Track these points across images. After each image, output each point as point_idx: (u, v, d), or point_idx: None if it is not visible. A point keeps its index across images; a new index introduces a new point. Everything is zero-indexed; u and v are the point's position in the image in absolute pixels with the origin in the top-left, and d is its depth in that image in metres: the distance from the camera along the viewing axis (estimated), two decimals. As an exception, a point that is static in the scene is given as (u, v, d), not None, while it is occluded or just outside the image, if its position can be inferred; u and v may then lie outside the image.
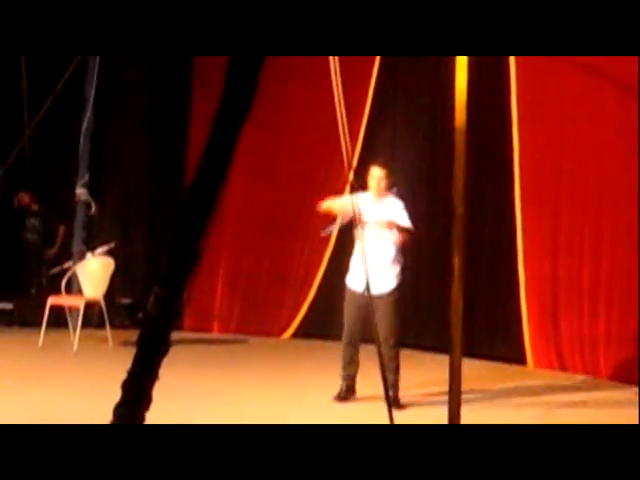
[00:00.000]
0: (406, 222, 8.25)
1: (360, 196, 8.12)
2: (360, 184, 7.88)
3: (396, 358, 8.22)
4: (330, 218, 8.54)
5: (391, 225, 8.12)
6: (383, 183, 8.32)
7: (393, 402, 8.05)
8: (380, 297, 8.04)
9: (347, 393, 8.45)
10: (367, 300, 7.35)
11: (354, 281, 8.28)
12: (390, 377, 8.09)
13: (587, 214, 10.20)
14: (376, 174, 8.34)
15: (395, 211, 8.28)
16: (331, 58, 5.58)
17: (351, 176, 6.17)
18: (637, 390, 8.83)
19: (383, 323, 8.06)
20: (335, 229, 8.75)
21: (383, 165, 8.43)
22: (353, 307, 8.26)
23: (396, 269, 8.30)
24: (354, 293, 8.24)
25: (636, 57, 8.91)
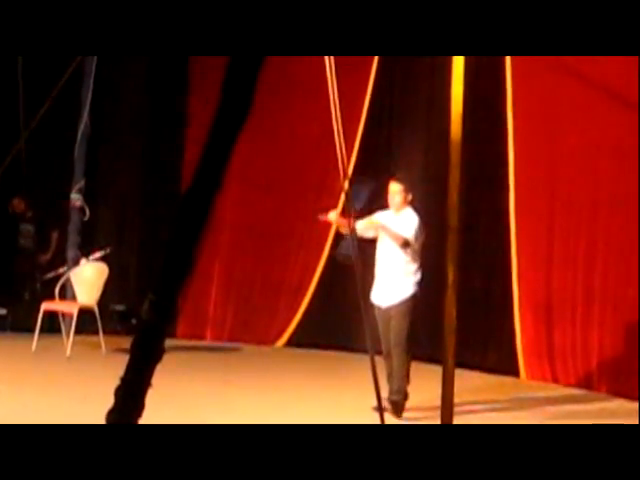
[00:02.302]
0: (404, 232, 8.28)
1: (381, 213, 8.44)
2: (355, 194, 7.90)
3: (403, 366, 8.27)
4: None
5: (383, 228, 8.26)
6: (399, 198, 8.42)
7: (395, 408, 8.10)
8: (393, 307, 8.30)
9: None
10: (386, 312, 8.20)
11: (374, 296, 8.44)
12: (395, 384, 8.24)
13: (581, 225, 10.21)
14: (392, 189, 8.47)
15: (405, 223, 8.36)
16: (327, 63, 5.58)
17: (346, 185, 6.17)
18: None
19: (391, 332, 8.29)
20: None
21: (400, 180, 8.52)
22: (379, 321, 8.42)
23: (411, 279, 8.37)
24: (376, 307, 8.40)
25: (631, 66, 8.96)
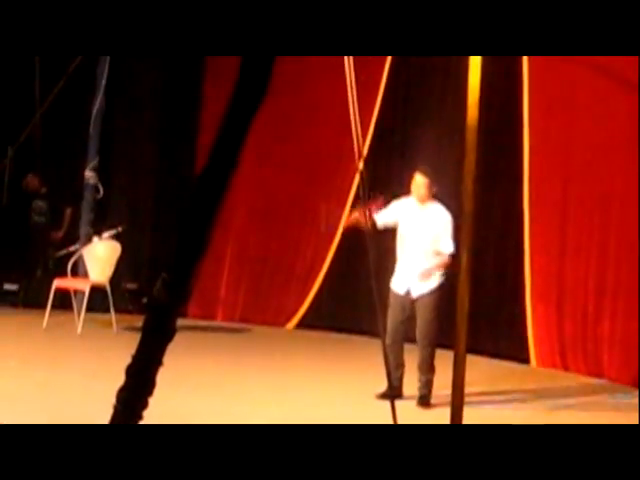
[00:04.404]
0: (447, 242, 8.20)
1: (403, 202, 8.34)
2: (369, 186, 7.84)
3: (429, 358, 8.25)
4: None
5: (428, 273, 8.19)
6: (424, 190, 8.28)
7: (422, 401, 8.12)
8: (421, 298, 8.24)
9: (392, 392, 8.31)
10: (409, 302, 8.17)
11: (397, 284, 8.34)
12: (423, 377, 8.25)
13: (594, 215, 10.19)
14: (418, 181, 8.31)
15: (440, 224, 8.26)
16: (346, 68, 5.57)
17: (361, 165, 6.15)
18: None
19: (419, 324, 8.27)
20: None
21: (426, 173, 8.36)
22: (397, 309, 8.29)
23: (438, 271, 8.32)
24: (397, 295, 8.30)
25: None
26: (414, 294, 8.26)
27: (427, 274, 8.18)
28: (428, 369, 8.23)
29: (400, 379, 8.33)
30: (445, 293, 8.31)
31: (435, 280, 8.27)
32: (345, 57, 5.47)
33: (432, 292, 8.25)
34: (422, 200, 8.32)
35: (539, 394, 9.11)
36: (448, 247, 8.21)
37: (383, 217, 8.28)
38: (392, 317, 8.32)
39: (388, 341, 8.25)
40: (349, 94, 5.59)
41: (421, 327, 8.26)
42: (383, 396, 8.20)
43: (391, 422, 5.30)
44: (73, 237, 12.64)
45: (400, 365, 8.33)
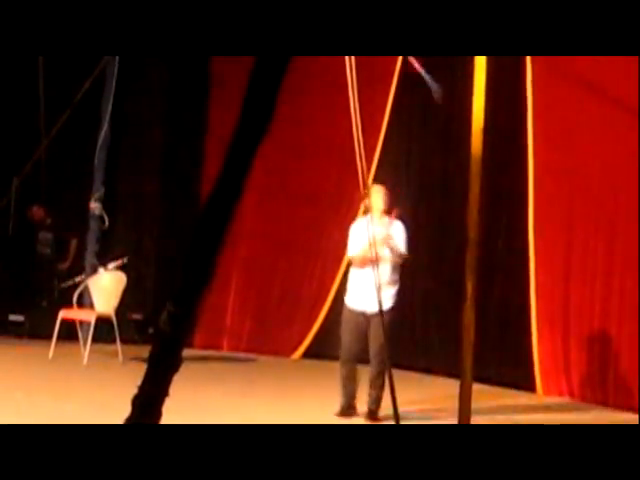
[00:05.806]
0: (400, 246, 8.44)
1: (358, 225, 8.51)
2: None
3: (382, 374, 8.30)
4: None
5: (388, 240, 8.32)
6: (385, 199, 8.46)
7: (371, 416, 8.36)
8: (376, 316, 8.16)
9: (348, 410, 8.58)
10: (364, 318, 8.26)
11: (353, 300, 8.48)
12: (373, 393, 8.44)
13: (600, 239, 10.18)
14: (379, 191, 8.50)
15: (396, 234, 8.47)
16: (348, 72, 5.59)
17: (366, 195, 6.19)
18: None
19: (372, 342, 8.40)
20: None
21: (382, 183, 8.69)
22: (351, 325, 8.50)
23: (392, 289, 8.45)
24: (352, 311, 8.46)
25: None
26: (369, 310, 8.29)
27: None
28: (380, 385, 8.35)
29: (353, 396, 8.56)
30: (397, 315, 8.51)
31: (390, 300, 8.37)
32: (347, 74, 5.49)
33: (387, 311, 8.19)
34: (384, 209, 8.44)
35: (544, 422, 9.07)
36: (402, 247, 8.47)
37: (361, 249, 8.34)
38: (348, 334, 8.52)
39: (343, 359, 8.62)
40: (353, 120, 5.61)
41: (375, 345, 8.35)
42: (340, 414, 8.52)
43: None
44: (78, 268, 12.63)
45: (354, 381, 8.54)
